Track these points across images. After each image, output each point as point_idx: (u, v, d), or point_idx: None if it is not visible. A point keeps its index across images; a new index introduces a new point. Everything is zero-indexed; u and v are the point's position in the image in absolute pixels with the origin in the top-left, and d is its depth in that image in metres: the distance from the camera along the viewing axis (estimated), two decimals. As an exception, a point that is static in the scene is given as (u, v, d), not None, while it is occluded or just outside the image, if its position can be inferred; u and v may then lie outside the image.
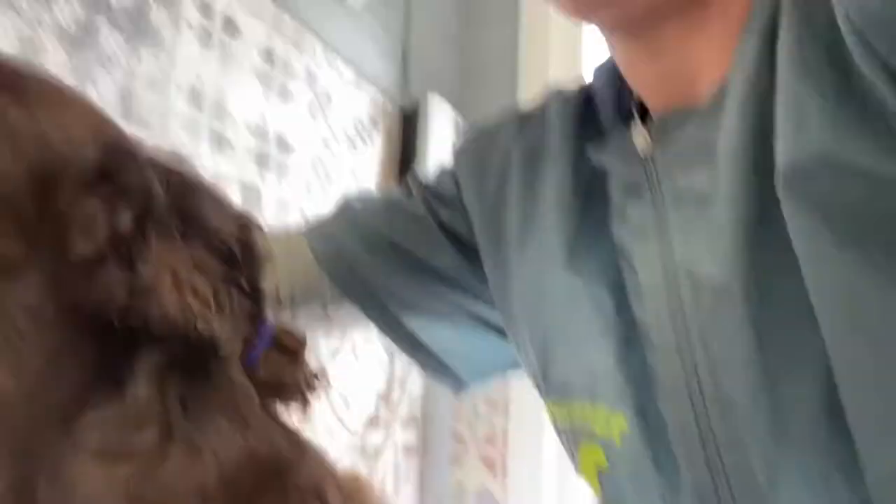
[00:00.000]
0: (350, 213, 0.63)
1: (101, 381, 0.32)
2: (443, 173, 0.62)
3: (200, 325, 0.32)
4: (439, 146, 1.45)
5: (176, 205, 0.34)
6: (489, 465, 1.52)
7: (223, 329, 0.33)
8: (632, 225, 0.44)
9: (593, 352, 0.44)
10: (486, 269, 0.56)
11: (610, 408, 0.42)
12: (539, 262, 0.50)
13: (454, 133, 1.52)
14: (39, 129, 0.31)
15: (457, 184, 0.59)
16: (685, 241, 0.40)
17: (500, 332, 0.59)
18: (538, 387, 0.51)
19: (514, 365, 0.62)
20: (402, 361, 1.44)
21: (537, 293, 0.50)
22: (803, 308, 0.34)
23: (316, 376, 0.44)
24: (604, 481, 0.44)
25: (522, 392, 1.49)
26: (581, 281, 0.46)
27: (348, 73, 1.30)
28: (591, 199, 0.48)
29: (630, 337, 0.42)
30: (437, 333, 0.62)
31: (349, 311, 0.61)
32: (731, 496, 0.37)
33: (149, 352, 0.32)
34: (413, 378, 1.47)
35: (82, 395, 0.31)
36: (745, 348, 0.36)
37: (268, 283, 0.39)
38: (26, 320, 0.30)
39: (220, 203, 0.37)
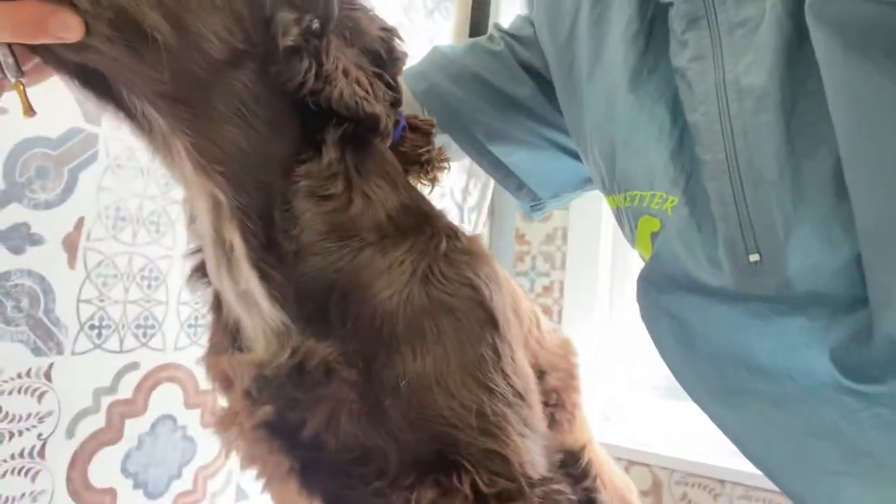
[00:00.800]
0: (439, 55, 0.73)
1: (305, 145, 0.45)
2: (519, 18, 0.72)
3: (366, 107, 0.44)
4: (509, 16, 1.52)
5: (342, 15, 0.45)
6: (546, 312, 1.70)
7: (382, 114, 0.45)
8: (690, 50, 0.52)
9: (652, 152, 0.54)
10: (560, 98, 0.66)
11: (665, 192, 0.53)
12: (607, 87, 0.59)
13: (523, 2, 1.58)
14: None
15: (532, 25, 0.69)
16: (734, 61, 0.49)
17: (573, 155, 0.71)
18: (604, 187, 0.61)
19: (583, 185, 0.76)
20: (470, 215, 1.60)
21: (605, 113, 0.59)
22: (823, 110, 0.43)
23: (441, 153, 0.57)
24: (655, 240, 0.55)
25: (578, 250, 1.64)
26: (643, 99, 0.56)
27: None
28: (653, 31, 0.56)
29: (683, 139, 0.52)
30: (518, 157, 0.73)
31: (444, 139, 0.71)
32: (756, 246, 0.48)
33: (333, 127, 0.45)
34: (480, 233, 1.63)
35: (295, 152, 0.44)
36: (776, 138, 0.46)
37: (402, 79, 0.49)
38: (250, 97, 0.42)
39: (370, 14, 0.48)
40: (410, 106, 0.70)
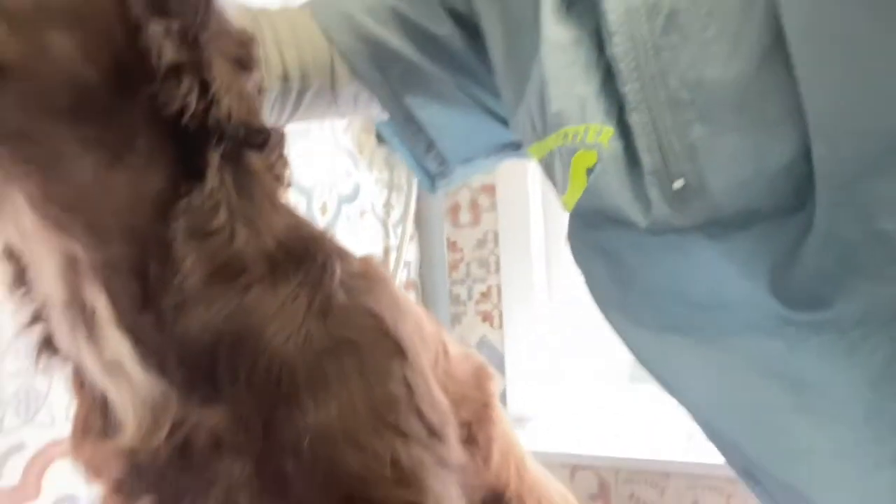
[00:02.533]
0: None
1: (181, 177, 0.39)
2: None
3: (255, 122, 0.39)
4: None
5: (206, 24, 0.39)
6: (487, 318, 1.67)
7: (264, 125, 0.40)
8: None
9: (582, 84, 0.51)
10: (488, 42, 0.61)
11: (600, 124, 0.50)
12: (531, 21, 0.56)
13: None
14: None
15: None
16: None
17: (494, 116, 0.66)
18: (535, 133, 0.58)
19: (497, 152, 0.71)
20: (395, 230, 1.55)
21: (532, 50, 0.56)
22: (741, 19, 0.40)
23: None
24: (590, 174, 0.52)
25: (513, 252, 1.60)
26: (569, 31, 0.53)
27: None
28: None
29: (610, 71, 0.50)
30: (432, 111, 0.67)
31: (354, 88, 0.65)
32: (679, 170, 0.45)
33: (214, 149, 0.39)
34: (408, 247, 1.58)
35: (171, 187, 0.39)
36: (686, 55, 0.44)
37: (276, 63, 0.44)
38: (118, 126, 0.37)
39: (223, 16, 0.43)
40: (317, 45, 0.63)
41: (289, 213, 0.46)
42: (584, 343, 1.55)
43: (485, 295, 1.65)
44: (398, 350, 0.42)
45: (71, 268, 0.38)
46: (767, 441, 0.48)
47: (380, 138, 1.45)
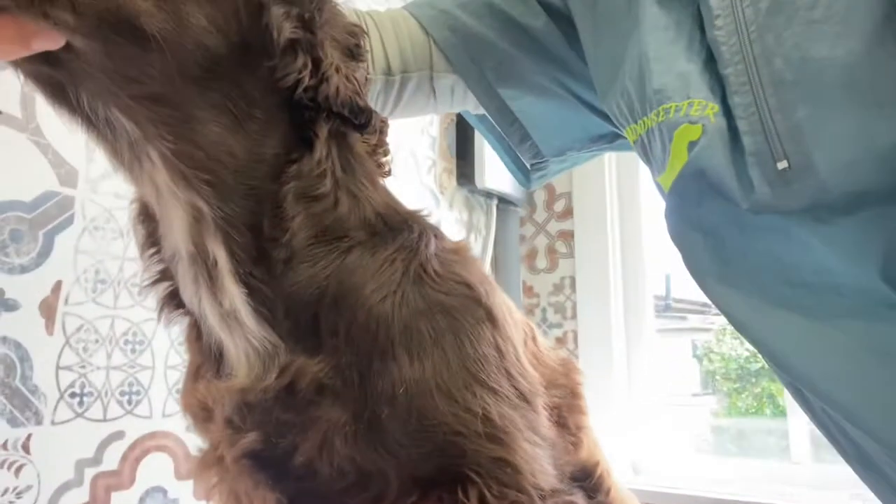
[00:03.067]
0: None
1: (293, 145, 0.42)
2: None
3: (360, 102, 0.42)
4: None
5: (321, 11, 0.44)
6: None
7: (370, 107, 0.44)
8: None
9: (685, 62, 0.52)
10: (582, 33, 0.63)
11: (705, 99, 0.50)
12: (630, 7, 0.57)
13: None
14: None
15: None
16: None
17: (588, 106, 0.67)
18: (632, 114, 0.58)
19: (592, 144, 0.71)
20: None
21: (629, 33, 0.57)
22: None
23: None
24: (693, 147, 0.52)
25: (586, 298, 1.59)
26: (669, 13, 0.54)
27: None
28: None
29: (710, 53, 0.50)
30: (526, 102, 0.69)
31: (451, 81, 0.68)
32: (783, 152, 0.45)
33: (324, 123, 0.43)
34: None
35: (285, 153, 0.42)
36: (793, 36, 0.44)
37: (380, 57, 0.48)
38: (241, 94, 0.40)
39: (337, 7, 0.47)
40: (416, 39, 0.67)
41: (387, 192, 0.49)
42: (663, 393, 1.50)
43: (561, 340, 1.63)
44: (489, 316, 0.43)
45: (197, 222, 0.41)
46: (884, 413, 0.45)
47: (460, 180, 1.50)
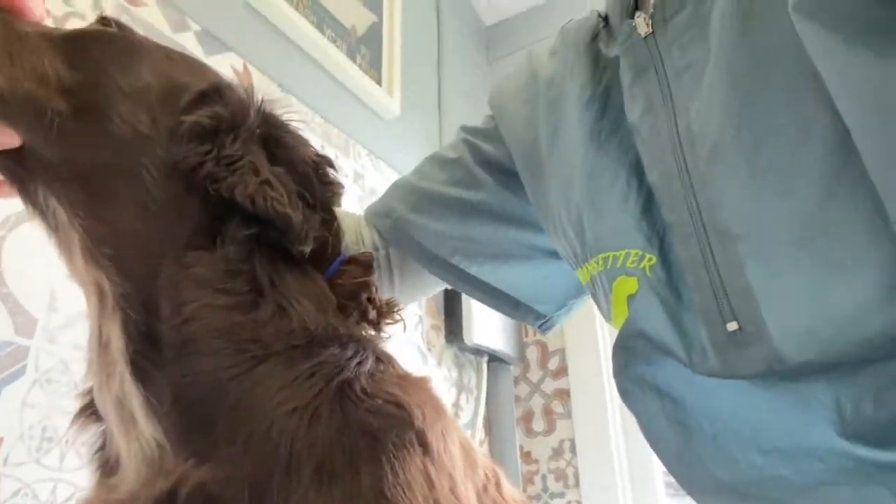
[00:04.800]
0: (396, 186, 0.70)
1: (202, 235, 0.41)
2: (485, 115, 0.70)
3: (277, 206, 0.40)
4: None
5: (266, 132, 0.44)
6: (567, 540, 1.49)
7: (296, 217, 0.41)
8: (640, 103, 0.49)
9: (619, 212, 0.50)
10: (527, 185, 0.62)
11: (641, 250, 0.48)
12: (568, 156, 0.56)
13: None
14: (170, 70, 0.43)
15: (493, 118, 0.67)
16: (685, 109, 0.45)
17: (560, 257, 0.64)
18: (576, 259, 0.56)
19: (584, 290, 0.67)
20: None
21: (568, 181, 0.56)
22: (796, 138, 0.38)
23: (392, 302, 0.49)
24: (632, 303, 0.48)
25: (589, 465, 1.48)
26: (604, 161, 0.52)
27: (392, 174, 1.48)
28: (610, 94, 0.54)
29: (651, 199, 0.49)
30: (503, 273, 0.66)
31: (414, 273, 0.67)
32: (731, 312, 0.41)
33: (238, 224, 0.41)
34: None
35: (190, 239, 0.40)
36: (737, 186, 0.41)
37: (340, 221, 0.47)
38: (148, 177, 0.40)
39: (302, 140, 0.47)
40: (368, 243, 0.66)
41: (333, 314, 0.44)
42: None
43: (564, 513, 1.50)
44: (421, 441, 0.38)
45: (101, 301, 0.40)
46: None
47: (448, 337, 1.47)
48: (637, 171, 0.51)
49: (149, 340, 0.38)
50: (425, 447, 0.38)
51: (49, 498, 0.74)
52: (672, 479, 0.50)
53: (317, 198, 0.45)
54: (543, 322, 0.70)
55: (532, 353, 1.64)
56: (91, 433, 0.42)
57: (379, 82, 1.45)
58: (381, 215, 0.68)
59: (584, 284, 0.57)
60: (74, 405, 0.43)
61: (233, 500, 0.34)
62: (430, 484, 0.37)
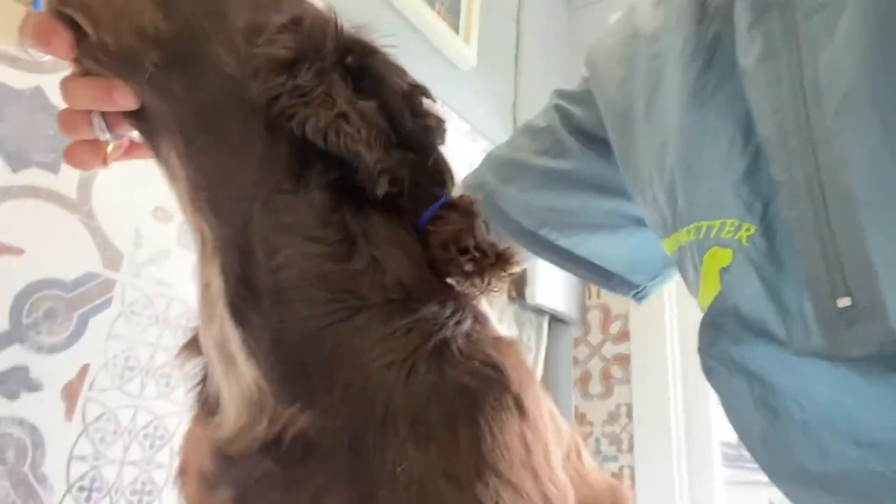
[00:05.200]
0: (488, 157, 0.68)
1: (291, 179, 0.39)
2: (579, 79, 0.66)
3: (349, 143, 0.37)
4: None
5: (355, 61, 0.40)
6: None
7: (370, 155, 0.38)
8: (759, 46, 0.44)
9: (719, 175, 0.46)
10: (616, 150, 0.58)
11: (738, 219, 0.44)
12: (665, 117, 0.52)
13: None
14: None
15: (587, 80, 0.64)
16: (813, 56, 0.41)
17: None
18: (666, 228, 0.53)
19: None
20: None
21: (663, 143, 0.51)
22: None
23: (509, 251, 0.41)
24: (725, 276, 0.45)
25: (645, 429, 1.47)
26: (707, 116, 0.48)
27: (464, 127, 1.45)
28: (717, 42, 0.49)
29: (758, 158, 0.44)
30: (593, 244, 0.64)
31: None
32: (845, 287, 0.38)
33: (322, 167, 0.39)
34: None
35: (277, 183, 0.39)
36: (868, 145, 0.37)
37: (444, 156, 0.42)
38: (232, 119, 0.39)
39: (394, 68, 0.42)
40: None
41: (423, 267, 0.41)
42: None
43: (616, 476, 1.49)
44: (518, 405, 0.37)
45: (203, 246, 0.40)
46: None
47: (510, 295, 1.46)
48: (744, 127, 0.46)
49: (245, 284, 0.38)
50: (522, 411, 0.37)
51: (129, 424, 0.78)
52: (729, 451, 0.49)
53: (408, 134, 0.41)
54: (637, 292, 0.68)
55: (594, 316, 1.62)
56: (193, 364, 0.43)
57: (456, 30, 1.41)
58: (474, 187, 0.66)
59: (671, 255, 0.54)
60: (180, 339, 0.44)
61: (331, 449, 0.35)
62: (527, 449, 0.36)
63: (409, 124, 0.41)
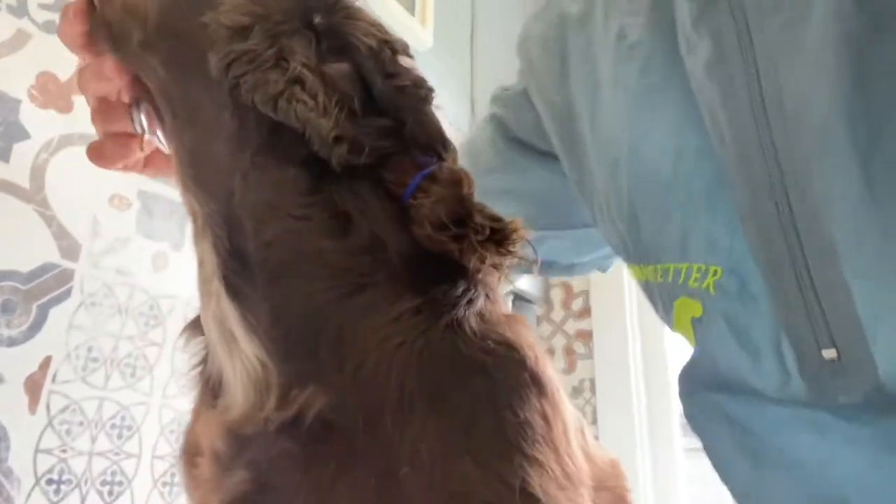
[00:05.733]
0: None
1: (263, 153, 0.37)
2: (517, 73, 0.60)
3: (298, 112, 0.34)
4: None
5: (324, 21, 0.38)
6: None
7: (322, 123, 0.34)
8: (708, 46, 0.38)
9: (681, 211, 0.42)
10: (563, 160, 0.54)
11: (703, 263, 0.41)
12: (611, 124, 0.47)
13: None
14: None
15: (522, 74, 0.59)
16: (773, 67, 0.35)
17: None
18: (627, 255, 0.49)
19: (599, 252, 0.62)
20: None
21: (614, 161, 0.46)
22: None
23: (515, 225, 0.36)
24: (698, 328, 0.43)
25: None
26: (656, 128, 0.42)
27: (422, 109, 1.45)
28: (660, 31, 0.42)
29: (719, 182, 0.39)
30: (548, 246, 0.60)
31: None
32: (830, 339, 0.35)
33: (292, 140, 0.36)
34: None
35: (253, 157, 0.37)
36: (849, 187, 0.33)
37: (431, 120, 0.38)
38: (203, 93, 0.38)
39: (361, 25, 0.39)
40: None
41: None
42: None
43: (581, 448, 1.54)
44: (536, 382, 0.35)
45: (195, 223, 0.39)
46: None
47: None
48: (699, 141, 0.41)
49: (237, 258, 0.37)
50: (540, 388, 0.36)
51: (95, 415, 0.77)
52: (687, 421, 0.48)
53: (379, 96, 0.38)
54: (543, 268, 0.66)
55: (556, 294, 1.65)
56: (196, 343, 0.41)
57: (412, 11, 1.41)
58: None
59: (635, 280, 0.51)
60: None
61: (348, 429, 0.33)
62: (548, 425, 0.35)
63: (378, 85, 0.38)
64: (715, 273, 0.40)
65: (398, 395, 0.33)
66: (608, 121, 0.48)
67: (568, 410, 0.40)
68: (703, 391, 0.44)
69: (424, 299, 0.35)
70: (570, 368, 1.60)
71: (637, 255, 0.47)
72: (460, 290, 0.36)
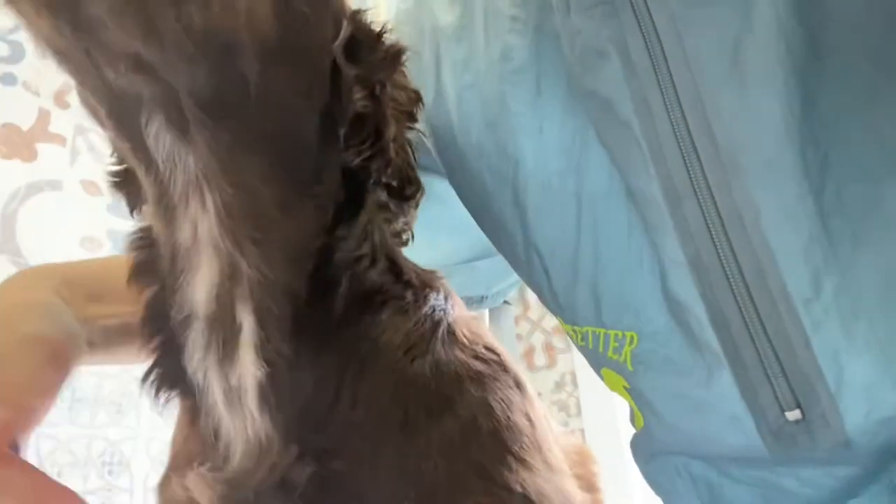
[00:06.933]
0: None
1: (339, 206, 0.37)
2: None
3: (412, 173, 0.39)
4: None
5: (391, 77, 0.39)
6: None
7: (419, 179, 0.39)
8: (614, 63, 0.34)
9: (590, 265, 0.40)
10: (458, 193, 0.53)
11: (621, 331, 0.39)
12: (505, 135, 0.44)
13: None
14: None
15: None
16: (692, 82, 0.31)
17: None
18: (549, 305, 0.48)
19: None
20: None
21: (512, 195, 0.45)
22: (874, 163, 0.28)
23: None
24: (633, 395, 0.42)
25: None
26: (552, 164, 0.40)
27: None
28: (549, 44, 0.39)
29: (632, 235, 0.37)
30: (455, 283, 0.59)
31: None
32: (794, 399, 0.32)
33: (372, 190, 0.39)
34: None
35: (334, 215, 0.37)
36: (801, 229, 0.30)
37: None
38: (304, 152, 0.36)
39: (403, 69, 0.41)
40: None
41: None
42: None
43: (568, 441, 1.57)
44: (518, 384, 0.39)
45: (229, 281, 0.35)
46: None
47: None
48: (608, 178, 0.38)
49: (291, 334, 0.37)
50: (522, 390, 0.39)
51: (84, 455, 0.79)
52: (651, 487, 0.48)
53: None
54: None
55: (532, 293, 1.68)
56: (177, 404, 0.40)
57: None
58: None
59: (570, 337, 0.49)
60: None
61: (351, 473, 0.34)
62: (532, 425, 0.38)
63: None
64: (631, 341, 0.38)
65: (404, 416, 0.35)
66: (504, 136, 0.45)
67: (539, 403, 0.43)
68: (661, 457, 0.43)
69: (428, 308, 0.38)
70: (551, 364, 1.63)
71: (559, 310, 0.44)
72: (443, 295, 0.39)
